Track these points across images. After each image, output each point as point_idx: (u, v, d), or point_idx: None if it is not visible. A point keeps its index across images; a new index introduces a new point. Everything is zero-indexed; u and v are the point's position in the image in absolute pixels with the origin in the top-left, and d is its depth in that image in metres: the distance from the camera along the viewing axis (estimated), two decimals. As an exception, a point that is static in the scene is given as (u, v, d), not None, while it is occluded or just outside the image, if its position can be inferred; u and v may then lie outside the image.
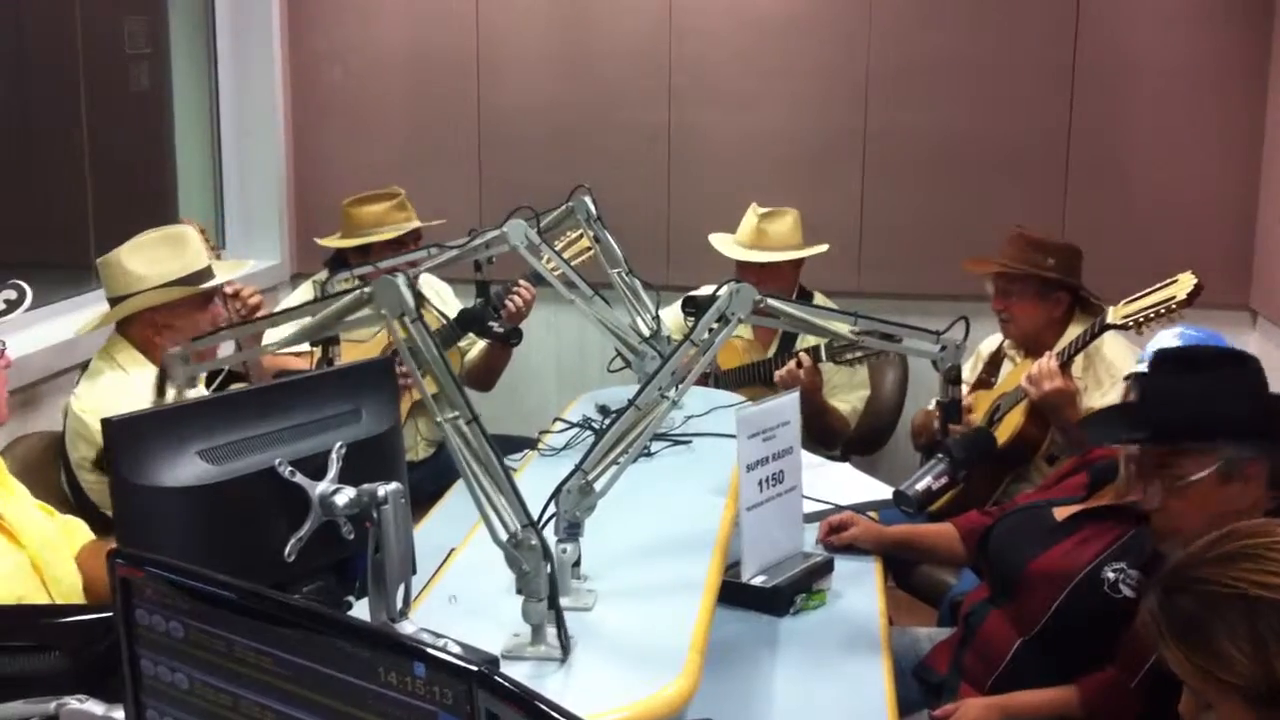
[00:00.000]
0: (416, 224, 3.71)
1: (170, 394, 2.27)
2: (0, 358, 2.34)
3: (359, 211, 3.72)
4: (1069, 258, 3.36)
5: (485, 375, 3.86)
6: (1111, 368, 3.17)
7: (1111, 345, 3.19)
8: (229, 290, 3.11)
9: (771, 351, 3.78)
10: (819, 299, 3.85)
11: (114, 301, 2.91)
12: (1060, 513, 2.44)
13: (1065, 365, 3.06)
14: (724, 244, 3.84)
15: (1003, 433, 3.21)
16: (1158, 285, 2.91)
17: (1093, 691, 2.20)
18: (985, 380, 3.54)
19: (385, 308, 1.81)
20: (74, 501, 2.79)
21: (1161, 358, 2.25)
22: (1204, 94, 4.23)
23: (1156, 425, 2.11)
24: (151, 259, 2.87)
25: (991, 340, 3.60)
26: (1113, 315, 2.96)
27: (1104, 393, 3.15)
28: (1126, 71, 4.25)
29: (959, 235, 4.11)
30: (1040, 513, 2.48)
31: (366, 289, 1.89)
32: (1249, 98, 4.18)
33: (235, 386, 2.74)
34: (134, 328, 2.89)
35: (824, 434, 3.70)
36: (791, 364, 3.54)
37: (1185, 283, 2.84)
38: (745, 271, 3.67)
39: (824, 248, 3.83)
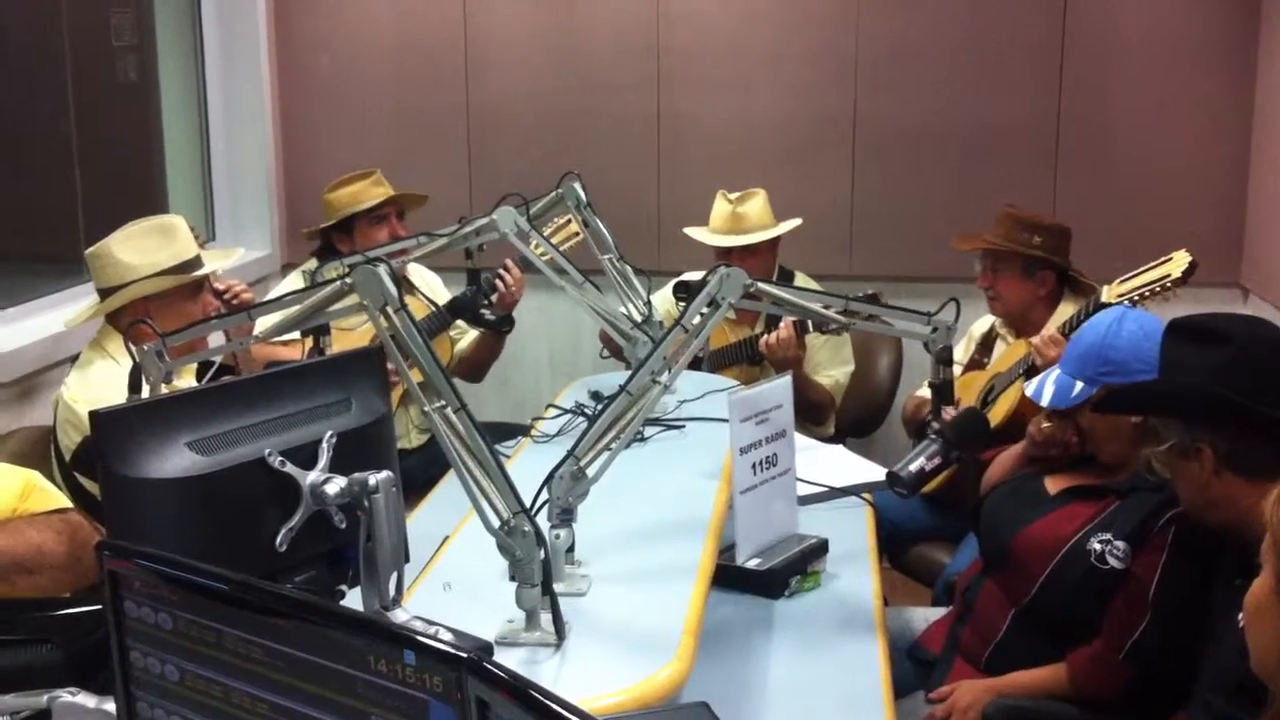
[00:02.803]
0: (391, 192, 3.70)
1: (145, 391, 2.25)
2: None
3: (336, 195, 3.71)
4: (1057, 237, 3.37)
5: (476, 367, 3.85)
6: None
7: None
8: (218, 285, 3.10)
9: (757, 330, 3.77)
10: (800, 279, 3.85)
11: (104, 292, 2.90)
12: (1051, 485, 2.46)
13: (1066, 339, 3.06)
14: (703, 235, 3.83)
15: (996, 414, 3.20)
16: (1152, 264, 2.90)
17: (1080, 666, 2.21)
18: (978, 361, 3.54)
19: (367, 298, 1.80)
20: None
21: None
22: (1193, 72, 4.22)
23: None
24: (141, 249, 2.86)
25: (983, 322, 3.60)
26: (1107, 294, 2.95)
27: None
28: (1115, 51, 4.25)
29: (949, 217, 4.10)
30: (1031, 483, 2.50)
31: (348, 279, 1.87)
32: (1238, 75, 4.18)
33: (224, 379, 2.73)
34: (124, 318, 2.87)
35: (807, 409, 3.67)
36: (779, 329, 3.52)
37: (1180, 261, 2.83)
38: (727, 257, 3.66)
39: (797, 221, 3.82)
